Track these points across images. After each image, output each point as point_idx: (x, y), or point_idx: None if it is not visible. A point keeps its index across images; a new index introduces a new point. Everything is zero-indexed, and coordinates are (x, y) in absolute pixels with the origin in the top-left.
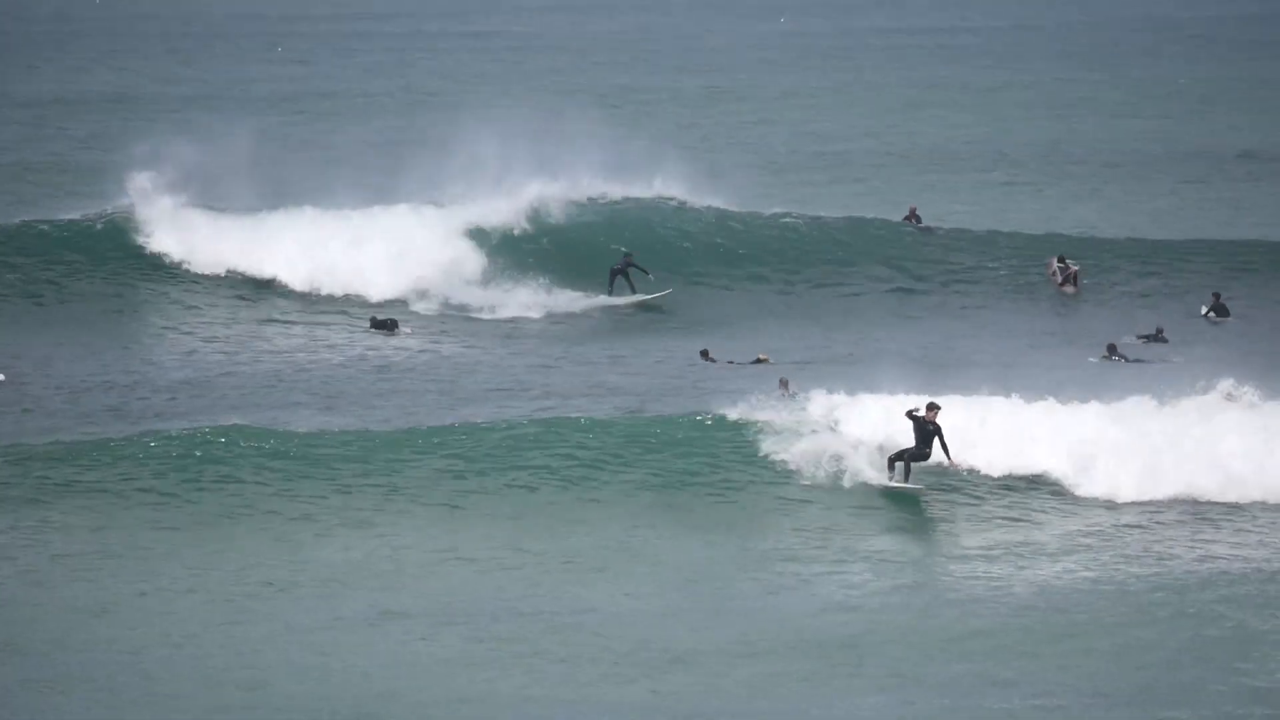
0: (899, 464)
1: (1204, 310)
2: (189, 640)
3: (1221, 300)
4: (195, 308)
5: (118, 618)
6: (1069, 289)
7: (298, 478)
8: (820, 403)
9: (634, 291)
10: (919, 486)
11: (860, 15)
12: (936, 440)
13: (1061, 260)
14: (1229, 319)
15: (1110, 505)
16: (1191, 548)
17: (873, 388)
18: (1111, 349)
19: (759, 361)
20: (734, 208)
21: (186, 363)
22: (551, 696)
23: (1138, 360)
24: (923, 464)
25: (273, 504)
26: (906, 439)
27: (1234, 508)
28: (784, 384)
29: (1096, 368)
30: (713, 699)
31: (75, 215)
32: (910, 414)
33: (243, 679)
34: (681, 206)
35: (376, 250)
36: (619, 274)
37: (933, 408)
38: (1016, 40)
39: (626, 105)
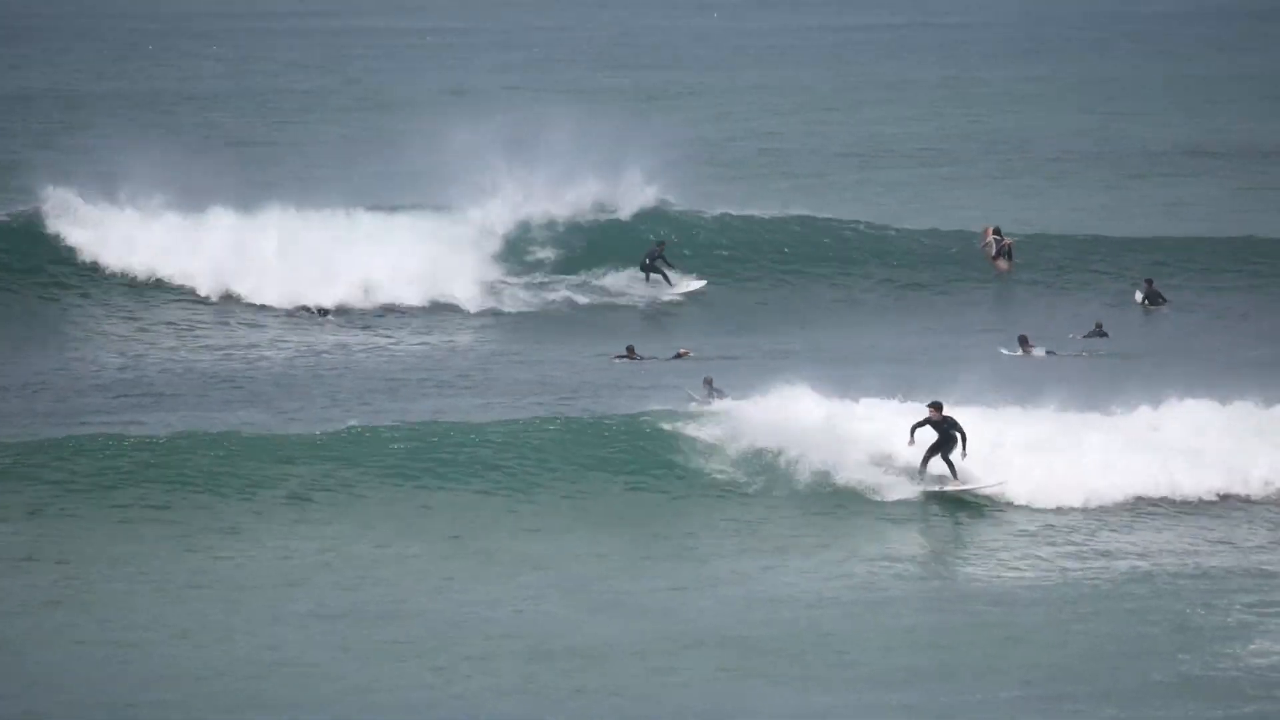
0: (943, 468)
1: (1138, 297)
2: (136, 632)
3: (1155, 286)
4: (127, 307)
5: (62, 614)
6: (1002, 264)
7: (234, 475)
8: (749, 400)
9: (669, 283)
10: (995, 483)
11: (794, 11)
12: (957, 434)
13: (997, 232)
14: (1163, 306)
15: (1046, 504)
16: (1129, 544)
17: (802, 384)
18: (1024, 341)
19: (679, 356)
20: (678, 204)
21: (120, 362)
22: (497, 687)
23: (1050, 353)
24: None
25: (213, 502)
26: (835, 440)
27: (1171, 504)
28: (708, 383)
29: (1014, 361)
30: (652, 693)
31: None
32: (915, 428)
33: (195, 670)
34: (630, 204)
35: (313, 250)
36: (650, 267)
37: (935, 406)
38: (957, 36)
39: (568, 102)
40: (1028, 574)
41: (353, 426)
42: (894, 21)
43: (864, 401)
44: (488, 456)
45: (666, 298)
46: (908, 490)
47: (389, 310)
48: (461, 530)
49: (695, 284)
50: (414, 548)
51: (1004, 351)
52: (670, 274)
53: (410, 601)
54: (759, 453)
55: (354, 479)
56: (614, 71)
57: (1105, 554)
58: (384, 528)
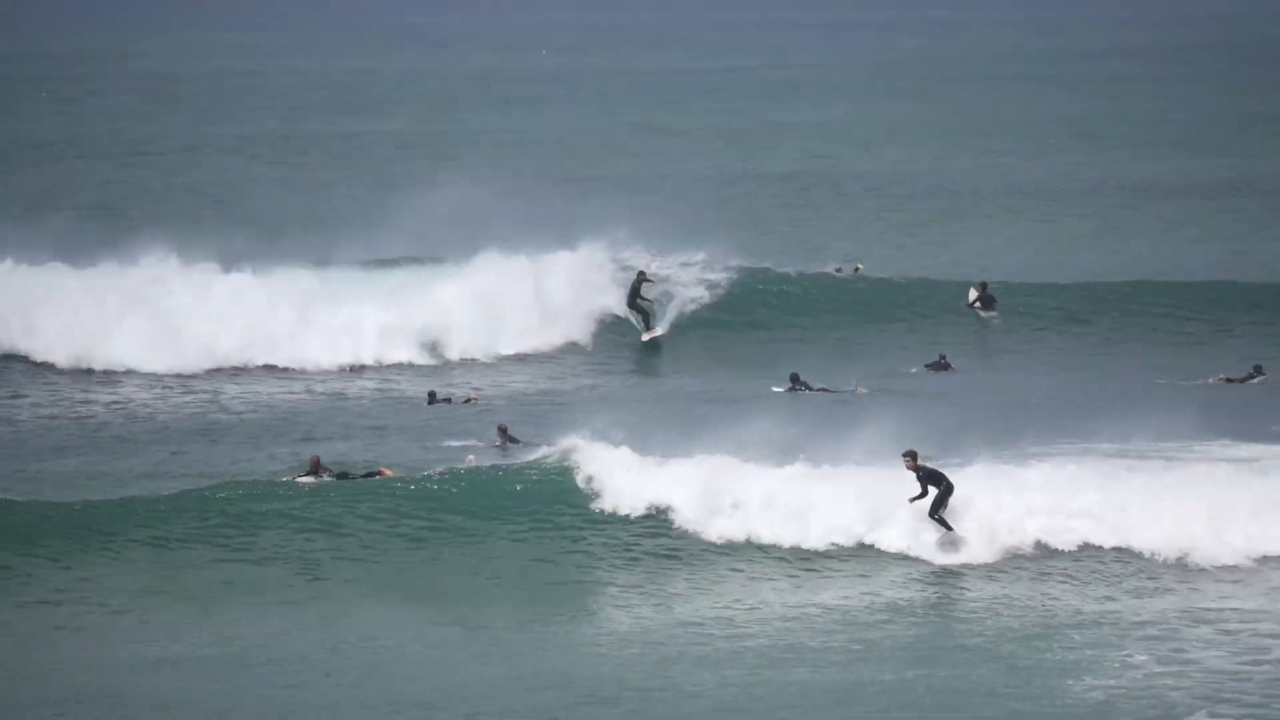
0: (939, 517)
1: (971, 296)
2: None
3: (988, 290)
4: None
5: None
6: (846, 272)
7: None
8: (542, 448)
9: (646, 325)
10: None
11: (632, 52)
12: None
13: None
14: (995, 311)
15: (886, 550)
16: (967, 591)
17: (585, 432)
18: (794, 378)
19: (469, 401)
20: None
21: None
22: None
23: (822, 389)
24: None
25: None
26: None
27: (1010, 553)
28: (502, 430)
29: (785, 398)
30: None
31: None
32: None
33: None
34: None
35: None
36: (635, 305)
37: (909, 455)
38: (814, 76)
39: (431, 145)
40: (869, 623)
41: (177, 489)
42: (750, 64)
43: (624, 448)
44: (283, 508)
45: (648, 335)
46: (737, 545)
47: (227, 366)
48: (270, 581)
49: (658, 330)
50: (232, 607)
51: (776, 389)
52: (648, 312)
53: (252, 649)
54: (565, 502)
55: (174, 534)
56: (474, 113)
57: (942, 601)
58: (213, 593)
